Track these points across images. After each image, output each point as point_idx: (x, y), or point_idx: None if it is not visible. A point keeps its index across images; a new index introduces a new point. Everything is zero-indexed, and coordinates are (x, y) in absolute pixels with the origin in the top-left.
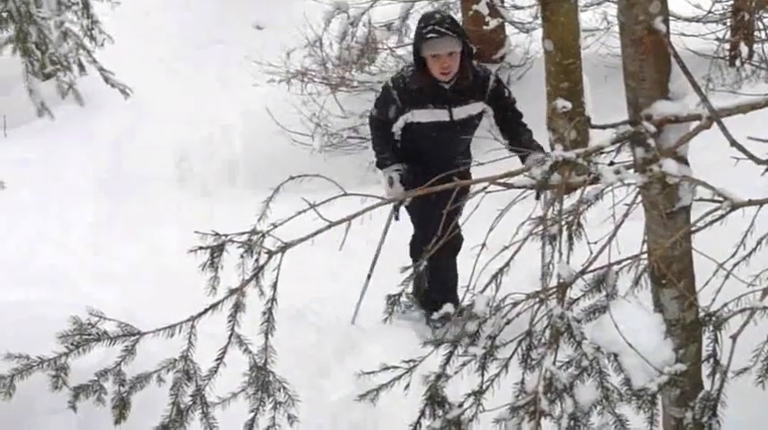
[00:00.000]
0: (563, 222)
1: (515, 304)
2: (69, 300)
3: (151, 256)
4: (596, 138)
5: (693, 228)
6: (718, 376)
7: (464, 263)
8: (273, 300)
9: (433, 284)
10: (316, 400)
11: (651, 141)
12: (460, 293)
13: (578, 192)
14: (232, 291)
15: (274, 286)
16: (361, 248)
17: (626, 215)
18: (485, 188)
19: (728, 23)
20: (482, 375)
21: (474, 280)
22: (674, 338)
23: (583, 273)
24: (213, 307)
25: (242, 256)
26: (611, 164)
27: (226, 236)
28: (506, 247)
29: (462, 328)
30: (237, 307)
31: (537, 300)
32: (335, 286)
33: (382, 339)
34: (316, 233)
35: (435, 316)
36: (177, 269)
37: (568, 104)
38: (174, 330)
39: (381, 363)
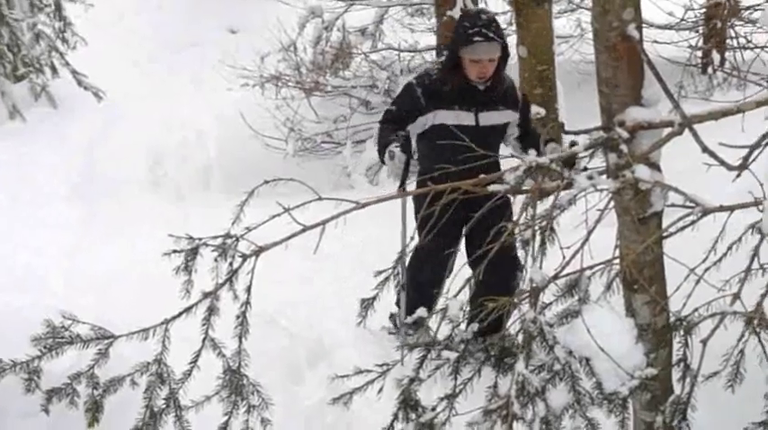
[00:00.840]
0: (536, 227)
1: (490, 309)
2: (42, 302)
3: (125, 260)
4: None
5: (665, 234)
6: (688, 380)
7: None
8: (247, 303)
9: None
10: (289, 404)
11: (624, 147)
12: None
13: (551, 197)
14: (206, 295)
15: (248, 290)
16: (336, 253)
17: (598, 220)
18: (461, 192)
19: (701, 31)
20: (455, 379)
21: (449, 283)
22: (645, 343)
23: (555, 277)
24: (187, 310)
25: (216, 260)
26: (585, 169)
27: (200, 239)
28: (481, 252)
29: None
30: (211, 310)
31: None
32: (309, 290)
33: (355, 343)
34: (290, 237)
35: (409, 320)
36: (151, 272)
37: (542, 110)
38: (148, 333)
39: (355, 367)
